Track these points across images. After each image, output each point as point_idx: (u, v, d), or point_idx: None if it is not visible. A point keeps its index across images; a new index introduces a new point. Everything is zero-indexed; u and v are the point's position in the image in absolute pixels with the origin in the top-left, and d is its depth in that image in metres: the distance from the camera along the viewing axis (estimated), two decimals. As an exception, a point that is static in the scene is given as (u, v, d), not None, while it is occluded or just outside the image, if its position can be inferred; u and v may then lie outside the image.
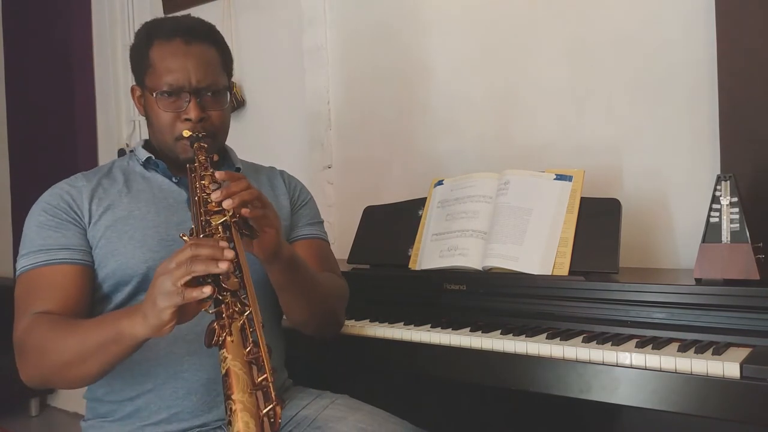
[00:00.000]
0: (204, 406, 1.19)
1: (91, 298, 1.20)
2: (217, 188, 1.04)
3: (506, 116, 1.91)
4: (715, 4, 1.51)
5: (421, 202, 1.67)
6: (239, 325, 0.94)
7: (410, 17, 2.11)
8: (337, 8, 2.29)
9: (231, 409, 0.87)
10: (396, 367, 1.45)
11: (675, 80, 1.63)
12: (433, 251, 1.55)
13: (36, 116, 3.47)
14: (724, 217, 1.23)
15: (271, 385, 0.90)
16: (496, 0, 1.91)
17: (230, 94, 1.28)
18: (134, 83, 1.29)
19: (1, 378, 2.51)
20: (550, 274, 1.38)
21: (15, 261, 1.22)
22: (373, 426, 1.19)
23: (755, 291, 1.14)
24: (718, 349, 1.08)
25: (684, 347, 1.09)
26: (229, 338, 0.92)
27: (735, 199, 1.22)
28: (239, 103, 2.56)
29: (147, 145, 1.32)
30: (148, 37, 1.24)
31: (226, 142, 1.35)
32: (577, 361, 1.14)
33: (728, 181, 1.23)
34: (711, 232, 1.24)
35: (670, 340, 1.16)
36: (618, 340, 1.17)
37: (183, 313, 0.95)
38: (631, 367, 1.08)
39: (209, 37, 1.25)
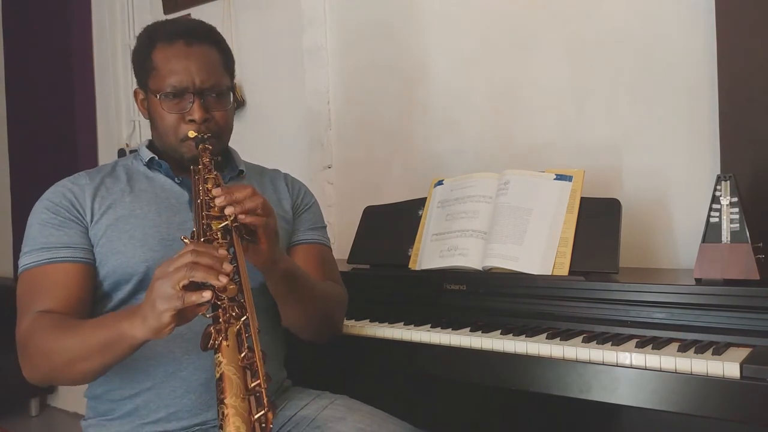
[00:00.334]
0: (202, 405, 1.19)
1: (93, 296, 1.21)
2: (221, 193, 1.04)
3: (506, 116, 1.91)
4: (715, 4, 1.51)
5: (421, 202, 1.67)
6: (235, 329, 0.94)
7: (410, 17, 2.11)
8: (337, 8, 2.29)
9: (223, 413, 0.88)
10: (396, 367, 1.45)
11: (675, 80, 1.63)
12: (433, 251, 1.55)
13: (36, 116, 3.47)
14: (724, 217, 1.23)
15: (263, 391, 0.91)
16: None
17: (233, 94, 1.29)
18: (137, 86, 1.30)
19: (1, 378, 2.51)
20: (550, 274, 1.38)
21: (15, 261, 1.22)
22: (372, 426, 1.19)
23: (755, 291, 1.14)
24: (718, 349, 1.08)
25: (684, 347, 1.09)
26: (224, 342, 0.93)
27: (735, 199, 1.22)
28: (239, 104, 2.56)
29: (150, 145, 1.33)
30: (150, 40, 1.24)
31: (230, 144, 1.35)
32: (577, 361, 1.14)
33: (728, 181, 1.23)
34: (711, 232, 1.24)
35: (670, 340, 1.16)
36: (618, 340, 1.17)
37: (181, 316, 0.95)
38: (631, 367, 1.08)
39: (210, 38, 1.26)
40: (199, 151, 1.18)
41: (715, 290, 1.18)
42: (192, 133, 1.20)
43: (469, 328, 1.32)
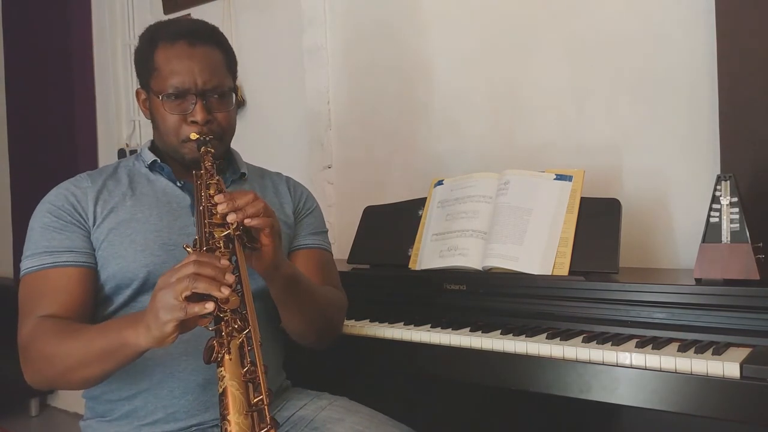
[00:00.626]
0: (200, 406, 1.19)
1: (95, 300, 1.21)
2: (223, 200, 1.04)
3: (506, 116, 1.91)
4: (715, 4, 1.51)
5: (421, 202, 1.67)
6: (238, 343, 0.94)
7: (410, 17, 2.11)
8: (337, 8, 2.29)
9: (226, 430, 0.88)
10: (396, 367, 1.45)
11: (675, 80, 1.63)
12: (433, 251, 1.55)
13: (36, 116, 3.47)
14: (724, 217, 1.23)
15: (266, 407, 0.91)
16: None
17: (235, 95, 1.28)
18: (139, 87, 1.29)
19: (1, 378, 2.51)
20: (550, 274, 1.38)
21: (15, 261, 1.23)
22: (370, 429, 1.19)
23: (755, 291, 1.14)
24: (718, 349, 1.07)
25: (684, 347, 1.09)
26: (227, 356, 0.93)
27: (735, 199, 1.22)
28: (239, 104, 2.56)
29: (152, 146, 1.32)
30: (152, 41, 1.23)
31: (231, 145, 1.34)
32: (577, 361, 1.13)
33: (728, 181, 1.23)
34: (711, 232, 1.24)
35: (670, 340, 1.16)
36: (618, 340, 1.17)
37: (184, 325, 0.95)
38: (631, 367, 1.08)
39: (213, 38, 1.25)
40: (201, 154, 1.18)
41: (715, 290, 1.18)
42: (194, 135, 1.20)
43: (469, 328, 1.32)
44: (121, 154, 3.11)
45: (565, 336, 1.21)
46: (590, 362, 1.12)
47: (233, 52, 1.31)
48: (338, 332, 1.37)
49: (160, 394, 1.18)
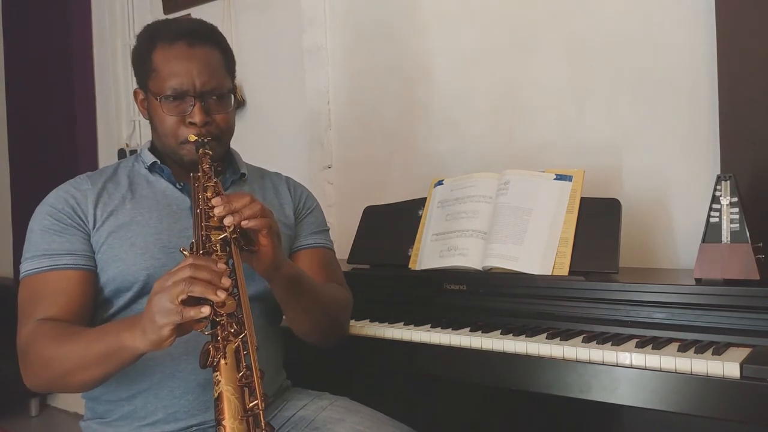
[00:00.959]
0: (200, 406, 1.19)
1: (94, 303, 1.20)
2: (219, 203, 1.03)
3: (506, 116, 1.91)
4: (715, 4, 1.51)
5: (421, 202, 1.67)
6: (234, 347, 0.94)
7: (410, 17, 2.11)
8: (337, 8, 2.29)
9: None
10: (396, 367, 1.45)
11: (675, 80, 1.63)
12: (433, 251, 1.55)
13: (36, 116, 3.47)
14: (724, 217, 1.23)
15: (261, 412, 0.91)
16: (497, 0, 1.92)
17: (234, 96, 1.28)
18: (137, 87, 1.28)
19: (1, 378, 2.51)
20: (550, 274, 1.38)
21: (15, 261, 1.22)
22: (371, 429, 1.19)
23: (755, 291, 1.14)
24: (718, 349, 1.08)
25: (684, 347, 1.09)
26: (223, 361, 0.93)
27: (735, 199, 1.22)
28: (239, 104, 2.56)
29: (152, 147, 1.32)
30: (150, 41, 1.22)
31: (231, 145, 1.34)
32: (577, 361, 1.14)
33: (728, 181, 1.23)
34: (711, 232, 1.24)
35: (670, 340, 1.16)
36: (618, 340, 1.17)
37: (181, 328, 0.95)
38: (631, 367, 1.08)
39: (212, 39, 1.24)
40: (199, 156, 1.17)
41: (715, 290, 1.18)
42: (192, 137, 1.19)
43: (469, 328, 1.32)
44: (121, 154, 3.11)
45: (565, 336, 1.21)
46: (590, 362, 1.12)
47: (232, 52, 1.30)
48: (345, 330, 1.37)
49: (161, 395, 1.18)
